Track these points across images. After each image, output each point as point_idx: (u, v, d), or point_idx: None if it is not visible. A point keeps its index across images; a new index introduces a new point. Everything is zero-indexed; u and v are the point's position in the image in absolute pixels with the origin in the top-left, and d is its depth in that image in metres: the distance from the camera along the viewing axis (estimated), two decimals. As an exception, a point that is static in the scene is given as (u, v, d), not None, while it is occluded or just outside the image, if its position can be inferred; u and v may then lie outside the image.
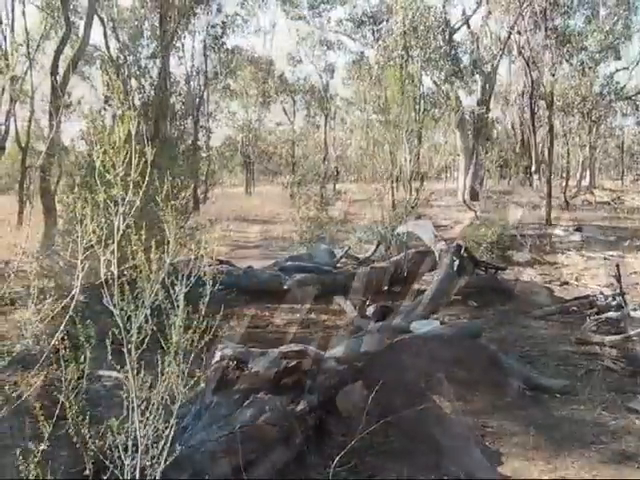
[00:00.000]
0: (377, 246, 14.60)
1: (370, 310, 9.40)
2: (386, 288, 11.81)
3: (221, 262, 12.25)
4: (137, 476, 2.32)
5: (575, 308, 9.90)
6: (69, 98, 32.78)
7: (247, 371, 4.88)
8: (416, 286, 12.00)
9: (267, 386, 4.80)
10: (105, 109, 17.64)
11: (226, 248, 17.35)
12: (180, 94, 11.77)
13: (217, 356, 4.96)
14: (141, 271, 2.32)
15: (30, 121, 24.13)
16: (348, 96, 46.63)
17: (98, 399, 6.13)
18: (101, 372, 6.83)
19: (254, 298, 11.07)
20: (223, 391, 4.89)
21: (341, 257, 14.40)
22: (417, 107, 23.25)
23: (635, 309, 9.59)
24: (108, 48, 25.45)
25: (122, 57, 22.18)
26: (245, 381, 4.90)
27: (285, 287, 11.13)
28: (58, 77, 18.31)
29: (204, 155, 32.12)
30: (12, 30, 20.81)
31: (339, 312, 10.11)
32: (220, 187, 45.99)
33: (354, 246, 15.95)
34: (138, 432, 2.32)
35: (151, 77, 10.62)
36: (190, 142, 13.44)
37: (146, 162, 2.39)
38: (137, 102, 9.26)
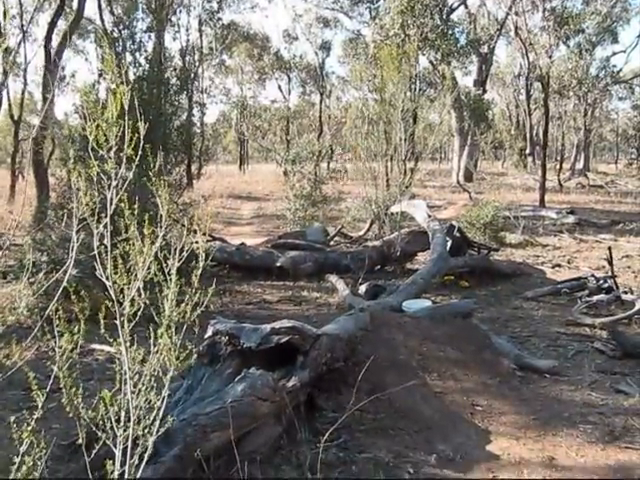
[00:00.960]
0: (370, 225, 14.62)
1: (362, 289, 9.42)
2: (379, 267, 11.84)
3: (214, 239, 12.27)
4: (129, 446, 2.33)
5: (566, 290, 9.95)
6: (63, 71, 32.58)
7: (239, 346, 4.89)
8: (409, 265, 12.05)
9: (258, 362, 4.81)
10: (99, 82, 17.54)
11: (219, 225, 17.35)
12: (175, 69, 11.71)
13: (209, 331, 4.96)
14: (134, 244, 2.31)
15: (23, 94, 24.00)
16: (344, 74, 46.50)
17: (91, 372, 6.15)
18: (94, 346, 6.86)
19: (247, 275, 11.10)
20: (215, 366, 4.90)
21: (334, 235, 14.43)
22: (413, 87, 23.19)
23: (626, 292, 9.65)
24: (103, 21, 25.29)
25: (117, 31, 22.03)
26: (237, 356, 4.91)
27: (278, 264, 11.16)
28: (52, 50, 18.18)
29: (198, 131, 31.98)
30: (5, 1, 20.56)
31: (331, 290, 10.13)
32: (214, 164, 45.91)
33: (347, 225, 15.97)
34: (130, 403, 2.33)
35: (146, 51, 10.54)
36: (184, 118, 13.36)
37: (139, 137, 2.38)
38: (131, 76, 9.19)
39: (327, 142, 34.16)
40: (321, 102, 45.65)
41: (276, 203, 21.26)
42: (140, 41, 10.35)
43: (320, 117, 44.26)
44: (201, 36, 34.40)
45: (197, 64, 33.23)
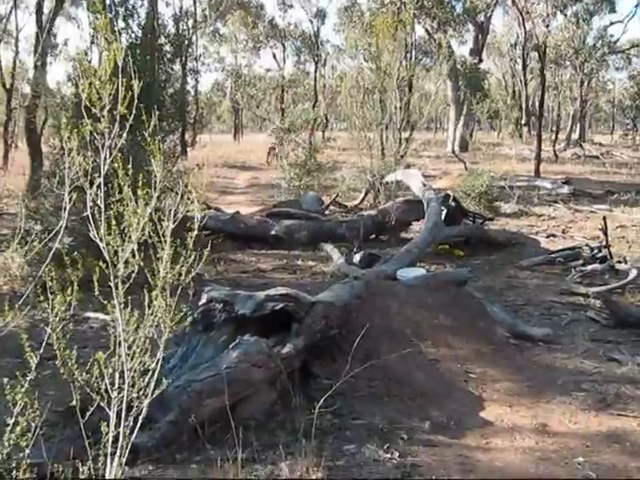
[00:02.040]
0: (365, 194, 14.60)
1: (357, 257, 9.41)
2: (373, 236, 11.84)
3: (208, 207, 12.22)
4: (124, 408, 2.33)
5: (561, 259, 9.96)
6: (55, 39, 32.23)
7: (233, 313, 4.89)
8: (403, 234, 12.05)
9: (253, 329, 4.81)
10: (91, 50, 17.36)
11: (214, 194, 17.29)
12: (169, 36, 11.58)
13: (204, 298, 4.96)
14: (127, 205, 2.28)
15: (15, 62, 23.76)
16: (339, 43, 46.14)
17: (85, 340, 6.14)
18: (88, 314, 6.85)
19: (241, 244, 11.08)
20: (209, 333, 4.90)
21: (329, 204, 14.41)
22: (408, 55, 23.04)
23: (620, 262, 9.66)
24: (95, -13, 24.93)
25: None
26: (231, 323, 4.91)
27: (273, 233, 11.14)
28: (43, 17, 17.96)
29: (192, 99, 31.77)
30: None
31: (326, 259, 10.12)
32: (208, 133, 45.68)
33: (342, 194, 15.94)
34: (125, 365, 2.32)
35: (139, 17, 10.40)
36: (178, 86, 13.24)
37: (133, 96, 2.34)
38: (124, 43, 9.09)
39: (322, 111, 34.01)
40: (316, 71, 45.35)
41: (270, 172, 21.18)
42: (133, 7, 10.19)
43: (315, 86, 43.98)
44: (195, 3, 34.05)
45: (191, 32, 32.88)
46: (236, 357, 4.37)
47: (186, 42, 28.36)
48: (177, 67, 15.22)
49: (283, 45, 47.15)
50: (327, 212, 13.80)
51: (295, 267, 9.86)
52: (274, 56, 48.03)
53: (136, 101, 2.34)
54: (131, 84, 2.29)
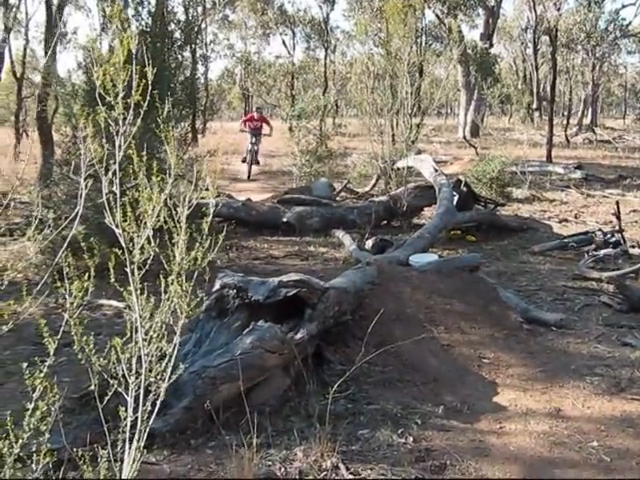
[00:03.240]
0: (377, 180, 14.56)
1: (369, 243, 9.41)
2: (385, 222, 11.82)
3: (219, 194, 12.22)
4: (142, 393, 2.34)
5: (573, 244, 9.92)
6: (64, 28, 32.20)
7: (247, 299, 4.90)
8: (415, 220, 12.03)
9: (266, 315, 4.83)
10: (101, 38, 17.34)
11: (225, 181, 17.28)
12: (179, 22, 11.53)
13: (217, 284, 4.97)
14: (143, 191, 2.29)
15: (25, 51, 23.75)
16: (348, 29, 45.91)
17: (99, 327, 6.18)
18: (102, 301, 6.89)
19: (253, 231, 11.08)
20: (223, 319, 4.92)
21: (340, 190, 14.39)
22: (419, 40, 22.91)
23: (633, 246, 9.63)
24: (104, -25, 24.89)
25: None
26: (245, 309, 4.93)
27: (284, 220, 11.14)
28: (53, 6, 17.95)
29: (202, 87, 31.71)
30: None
31: (338, 245, 10.12)
32: (219, 120, 45.61)
33: (353, 180, 15.91)
34: (142, 350, 2.33)
35: (149, 3, 10.36)
36: (189, 73, 13.21)
37: (147, 83, 2.34)
38: (135, 30, 9.07)
39: (332, 97, 33.87)
40: (326, 57, 45.14)
41: (281, 159, 21.14)
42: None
43: (325, 72, 43.78)
44: (204, -10, 33.93)
45: (200, 18, 32.77)
46: (250, 343, 4.38)
47: (196, 29, 28.26)
48: (187, 54, 15.14)
49: (293, 31, 46.93)
50: (338, 198, 13.78)
51: (307, 253, 9.86)
52: (284, 43, 47.84)
53: (150, 88, 2.34)
54: (145, 71, 2.29)
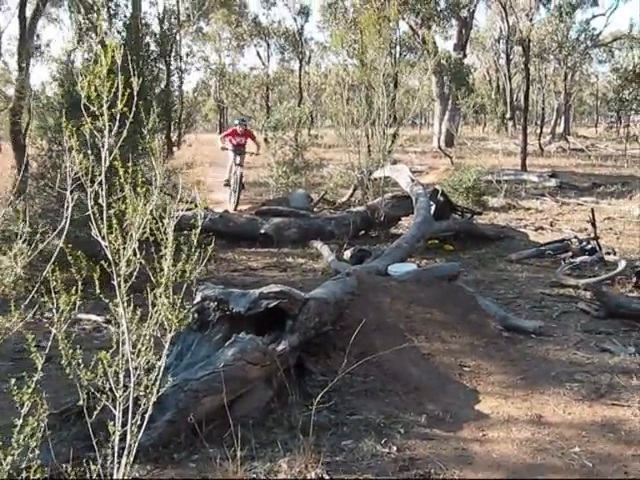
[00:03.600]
0: (353, 190, 14.60)
1: (347, 253, 9.43)
2: (363, 232, 11.85)
3: (195, 205, 12.16)
4: (130, 406, 2.32)
5: (550, 252, 10.01)
6: (38, 40, 32.01)
7: (228, 312, 4.89)
8: (393, 230, 12.07)
9: (248, 326, 4.81)
10: (76, 50, 17.24)
11: (202, 193, 17.22)
12: (155, 34, 11.52)
13: (198, 297, 4.95)
14: (128, 203, 2.27)
15: (-3, 64, 23.59)
16: (323, 40, 46.08)
17: (78, 342, 6.11)
18: (80, 316, 6.83)
19: (230, 243, 11.05)
20: (204, 332, 4.90)
21: (318, 201, 14.41)
22: (393, 51, 23.04)
23: (609, 253, 9.73)
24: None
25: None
26: (226, 322, 4.92)
27: (262, 231, 11.13)
28: (26, 18, 17.85)
29: (176, 99, 31.59)
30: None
31: (316, 256, 10.12)
32: (194, 132, 45.51)
33: (330, 191, 15.94)
34: (130, 364, 2.31)
35: (125, 16, 10.36)
36: (164, 85, 13.19)
37: (132, 93, 2.34)
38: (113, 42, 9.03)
39: (307, 108, 33.94)
40: (300, 68, 45.29)
41: (257, 170, 21.12)
42: (116, 5, 10.16)
43: (300, 84, 43.91)
44: (178, 2, 33.87)
45: (175, 31, 32.70)
46: (232, 355, 4.37)
47: (171, 41, 28.21)
48: (162, 66, 15.17)
49: (267, 43, 47.05)
50: (316, 209, 13.79)
51: (285, 265, 9.85)
52: (258, 54, 47.96)
53: (135, 99, 2.34)
54: (130, 82, 2.28)
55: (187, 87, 48.22)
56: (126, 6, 18.06)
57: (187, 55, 39.02)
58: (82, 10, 18.02)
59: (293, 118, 18.65)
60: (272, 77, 49.12)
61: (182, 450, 3.98)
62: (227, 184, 15.16)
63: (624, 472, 3.83)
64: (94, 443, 2.48)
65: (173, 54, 30.72)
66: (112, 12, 10.09)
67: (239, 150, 15.02)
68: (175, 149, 26.93)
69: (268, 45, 47.30)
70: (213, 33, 46.91)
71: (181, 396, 4.05)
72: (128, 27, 9.97)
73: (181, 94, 36.08)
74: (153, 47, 10.41)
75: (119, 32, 9.77)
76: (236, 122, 15.27)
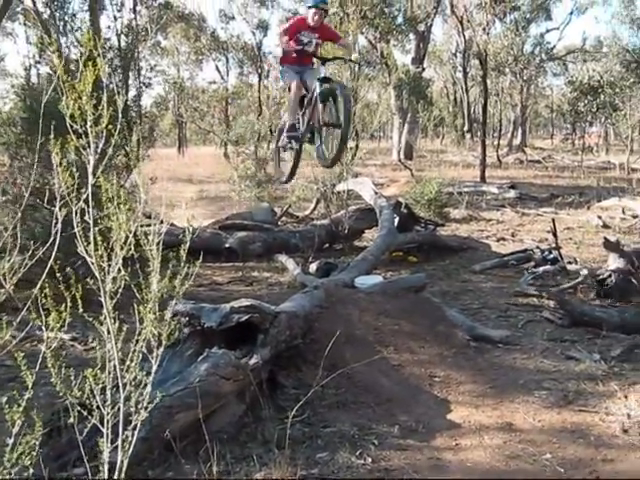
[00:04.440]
0: (316, 204, 14.63)
1: (313, 267, 9.45)
2: (327, 245, 11.88)
3: (161, 222, 12.08)
4: (121, 423, 2.31)
5: (513, 262, 10.15)
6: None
7: (199, 327, 4.88)
8: (357, 243, 12.13)
9: (219, 341, 4.80)
10: (31, 67, 17.00)
11: (163, 208, 17.10)
12: (118, 49, 11.43)
13: (169, 313, 4.92)
14: (113, 220, 2.27)
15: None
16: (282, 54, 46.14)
17: (44, 360, 6.03)
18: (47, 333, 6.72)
19: (194, 258, 10.97)
20: (175, 348, 4.87)
21: (281, 215, 14.40)
22: (352, 65, 23.15)
23: (570, 262, 9.89)
24: (34, 2, 24.49)
25: (49, 11, 21.34)
26: (197, 337, 4.90)
27: (227, 245, 11.09)
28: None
29: (134, 114, 31.33)
30: None
31: (282, 270, 10.12)
32: (153, 148, 45.15)
33: (293, 204, 15.95)
34: (120, 380, 2.30)
35: (82, 31, 10.26)
36: (124, 100, 13.09)
37: (115, 110, 2.34)
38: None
39: (267, 122, 33.92)
40: (260, 82, 45.28)
41: (218, 185, 21.08)
42: (73, 15, 10.05)
43: (259, 98, 43.90)
44: (135, 16, 33.66)
45: (133, 45, 32.49)
46: (205, 370, 4.35)
47: (129, 57, 28.00)
48: (121, 81, 15.05)
49: (226, 57, 46.98)
50: (280, 223, 13.79)
51: (251, 279, 9.83)
52: (217, 68, 47.83)
53: (120, 116, 2.34)
54: (115, 99, 2.28)
55: (147, 102, 47.72)
56: (83, 21, 17.95)
57: (151, 69, 38.73)
58: (39, 24, 17.84)
59: (253, 132, 18.68)
60: (231, 91, 49.00)
61: (156, 467, 3.94)
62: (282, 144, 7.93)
63: (596, 477, 3.90)
64: (86, 463, 2.45)
65: (132, 69, 30.51)
66: (70, 27, 9.99)
67: (305, 61, 7.46)
68: (133, 164, 26.74)
69: (227, 59, 47.24)
70: (171, 47, 46.71)
71: (154, 413, 4.00)
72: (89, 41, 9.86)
73: (139, 109, 35.88)
74: (117, 61, 10.32)
75: (75, 46, 9.65)
76: (310, 3, 7.25)
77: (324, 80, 6.79)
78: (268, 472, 3.85)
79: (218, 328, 4.83)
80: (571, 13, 38.90)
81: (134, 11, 33.60)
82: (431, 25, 32.58)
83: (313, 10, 7.15)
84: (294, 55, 7.20)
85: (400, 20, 30.27)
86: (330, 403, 4.95)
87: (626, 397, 5.08)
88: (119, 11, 26.34)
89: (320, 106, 6.87)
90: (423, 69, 32.38)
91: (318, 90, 6.81)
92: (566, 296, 7.96)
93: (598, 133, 41.30)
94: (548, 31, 37.95)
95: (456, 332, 6.42)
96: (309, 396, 4.68)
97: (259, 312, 5.08)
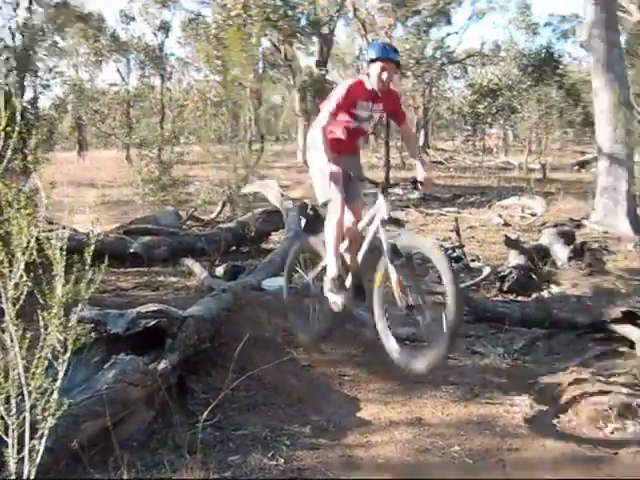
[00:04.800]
0: (222, 207, 14.55)
1: (220, 270, 9.37)
2: (234, 248, 11.81)
3: (63, 227, 11.76)
4: (27, 431, 2.23)
5: (418, 261, 10.31)
6: None
7: (105, 333, 4.77)
8: (263, 245, 12.10)
9: (125, 347, 4.71)
10: None
11: (63, 213, 16.67)
12: (14, 48, 11.05)
13: (73, 319, 4.79)
14: (14, 224, 2.19)
15: None
16: (184, 56, 45.71)
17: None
18: None
19: (99, 262, 10.72)
20: (79, 355, 4.74)
21: (187, 219, 14.25)
22: (256, 67, 23.17)
23: (473, 260, 10.15)
24: None
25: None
26: (103, 343, 4.79)
27: (131, 250, 10.87)
28: None
29: (32, 116, 30.45)
30: None
31: (188, 274, 9.99)
32: (51, 151, 43.93)
33: (198, 208, 15.80)
34: (24, 388, 2.22)
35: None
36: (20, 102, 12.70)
37: (13, 113, 2.26)
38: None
39: (170, 125, 33.51)
40: (162, 84, 44.68)
41: (121, 189, 20.68)
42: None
43: (162, 100, 43.29)
44: (31, 15, 32.68)
45: (29, 45, 31.53)
46: (112, 377, 4.25)
47: (25, 57, 27.19)
48: (17, 82, 14.62)
49: (127, 58, 46.09)
50: (185, 227, 13.63)
51: (157, 284, 9.65)
52: (118, 70, 46.86)
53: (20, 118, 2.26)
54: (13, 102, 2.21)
55: (45, 104, 46.30)
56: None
57: (50, 70, 37.62)
58: None
59: (158, 135, 18.44)
60: (133, 93, 48.11)
61: (63, 478, 3.83)
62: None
63: (502, 465, 4.03)
64: None
65: (28, 69, 29.60)
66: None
67: (349, 147, 5.96)
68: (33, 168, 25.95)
69: (128, 61, 46.34)
70: (70, 48, 45.52)
71: (60, 422, 3.90)
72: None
73: (36, 111, 34.86)
74: (12, 63, 9.98)
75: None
76: (373, 54, 5.25)
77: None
78: (180, 478, 3.80)
79: (125, 334, 4.74)
80: (469, 18, 40.09)
81: (29, 10, 32.68)
82: (334, 28, 32.91)
83: (380, 65, 5.07)
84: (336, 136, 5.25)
85: (304, 22, 30.46)
86: (241, 406, 4.92)
87: (528, 388, 5.27)
88: (14, 10, 25.49)
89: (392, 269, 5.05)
90: (327, 71, 32.63)
91: (388, 257, 5.04)
92: (470, 292, 8.17)
93: (497, 135, 42.63)
94: (448, 35, 38.89)
95: (364, 331, 6.50)
96: (219, 400, 4.64)
97: (166, 317, 5.02)
